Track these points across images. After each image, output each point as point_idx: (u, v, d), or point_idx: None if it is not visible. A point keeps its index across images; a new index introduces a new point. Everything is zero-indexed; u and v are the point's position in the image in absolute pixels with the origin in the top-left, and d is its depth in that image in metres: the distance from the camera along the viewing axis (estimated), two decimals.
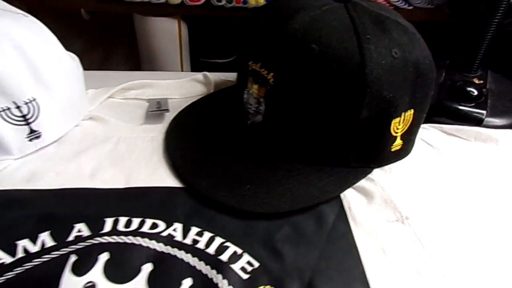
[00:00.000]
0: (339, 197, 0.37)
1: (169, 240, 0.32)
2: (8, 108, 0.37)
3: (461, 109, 0.47)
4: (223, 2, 0.69)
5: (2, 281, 0.29)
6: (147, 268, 0.30)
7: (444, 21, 0.76)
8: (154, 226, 0.33)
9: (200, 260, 0.31)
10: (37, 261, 0.30)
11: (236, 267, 0.31)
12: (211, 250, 0.32)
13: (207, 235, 0.33)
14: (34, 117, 0.39)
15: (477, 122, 0.46)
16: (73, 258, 0.30)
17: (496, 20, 0.47)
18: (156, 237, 0.33)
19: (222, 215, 0.35)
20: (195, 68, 0.83)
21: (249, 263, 0.31)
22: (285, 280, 0.30)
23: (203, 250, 0.32)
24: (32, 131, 0.39)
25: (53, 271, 0.29)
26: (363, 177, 0.39)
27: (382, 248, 0.32)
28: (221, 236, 0.33)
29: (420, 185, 0.39)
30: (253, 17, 0.41)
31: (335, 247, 0.33)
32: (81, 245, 0.31)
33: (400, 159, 0.41)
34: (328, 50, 0.34)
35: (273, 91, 0.37)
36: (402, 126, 0.39)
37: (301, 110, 0.37)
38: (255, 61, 0.38)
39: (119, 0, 0.69)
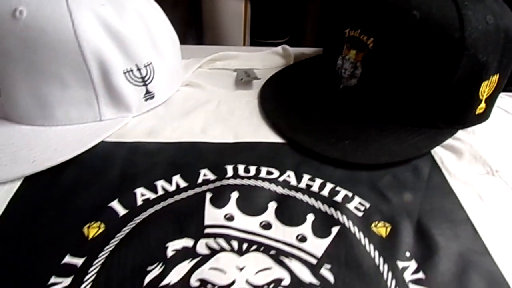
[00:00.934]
0: (430, 153, 0.41)
1: (286, 184, 0.37)
2: (131, 70, 0.42)
3: None
4: None
5: (153, 211, 0.33)
6: (273, 205, 0.34)
7: None
8: (269, 173, 0.38)
9: (317, 200, 0.35)
10: (178, 197, 0.35)
11: (350, 206, 0.35)
12: (325, 192, 0.36)
13: (318, 181, 0.37)
14: (150, 79, 0.44)
15: None
16: (209, 195, 0.35)
17: None
18: (274, 181, 0.37)
19: (327, 166, 0.39)
20: None
21: (360, 203, 0.35)
22: (396, 218, 0.34)
23: (317, 193, 0.36)
24: (147, 91, 0.44)
25: (196, 204, 0.34)
26: (449, 137, 0.42)
27: (478, 195, 0.36)
28: (330, 182, 0.37)
29: (504, 144, 0.42)
30: None
31: (434, 193, 0.36)
32: (211, 186, 0.36)
33: (482, 122, 0.44)
34: (428, 16, 0.38)
35: (372, 55, 0.41)
36: (488, 90, 0.42)
37: (397, 73, 0.40)
38: (353, 29, 0.42)
39: None
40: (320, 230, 0.32)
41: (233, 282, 0.28)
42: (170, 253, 0.30)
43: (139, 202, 0.34)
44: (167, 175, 0.37)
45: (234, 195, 0.35)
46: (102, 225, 0.32)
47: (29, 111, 0.40)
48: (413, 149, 0.40)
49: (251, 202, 0.35)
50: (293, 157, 0.40)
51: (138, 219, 0.33)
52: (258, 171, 0.38)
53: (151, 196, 0.35)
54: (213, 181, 0.36)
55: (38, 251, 0.30)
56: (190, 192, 0.35)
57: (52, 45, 0.37)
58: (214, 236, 0.31)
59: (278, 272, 0.29)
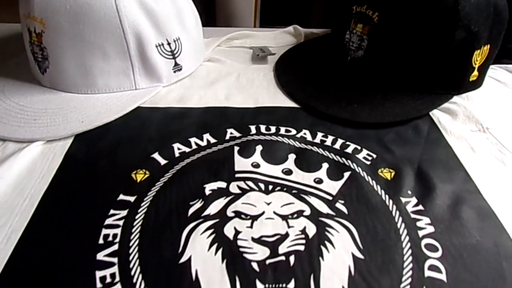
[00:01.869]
0: (428, 115, 0.46)
1: (303, 140, 0.42)
2: (162, 44, 0.47)
3: None
4: None
5: (189, 161, 0.39)
6: (292, 156, 0.40)
7: None
8: (288, 131, 0.43)
9: (330, 152, 0.40)
10: (209, 151, 0.40)
11: (359, 156, 0.40)
12: (337, 146, 0.41)
13: (330, 137, 0.42)
14: (178, 53, 0.49)
15: None
16: (236, 148, 0.40)
17: None
18: (292, 138, 0.42)
19: (338, 126, 0.44)
20: None
21: (368, 154, 0.40)
22: (399, 165, 0.39)
23: (330, 146, 0.41)
24: (176, 64, 0.49)
25: (226, 155, 0.39)
26: (446, 101, 0.47)
27: (471, 147, 0.41)
28: (341, 138, 0.42)
29: (495, 107, 0.47)
30: None
31: (432, 146, 0.42)
32: (238, 141, 0.41)
33: (475, 88, 0.50)
34: None
35: (377, 28, 0.46)
36: (480, 58, 0.47)
37: (399, 43, 0.45)
38: (360, 5, 0.47)
39: None
40: (334, 174, 0.38)
41: (263, 213, 0.33)
42: (207, 192, 0.35)
43: (177, 154, 0.40)
44: (198, 133, 0.42)
45: (259, 148, 0.40)
46: (147, 172, 0.37)
47: (74, 81, 0.45)
48: (413, 111, 0.45)
49: (273, 154, 0.40)
50: (308, 119, 0.45)
51: (177, 167, 0.38)
52: (277, 130, 0.43)
53: (186, 149, 0.40)
54: (239, 138, 0.42)
55: (96, 192, 0.35)
56: (220, 147, 0.41)
57: (97, 19, 0.42)
58: (244, 179, 0.37)
59: (300, 205, 0.34)
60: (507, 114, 0.46)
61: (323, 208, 0.34)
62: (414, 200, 0.35)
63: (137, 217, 0.33)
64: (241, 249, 0.31)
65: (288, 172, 0.38)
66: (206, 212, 0.33)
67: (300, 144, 0.41)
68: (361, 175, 0.38)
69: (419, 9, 0.43)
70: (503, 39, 0.56)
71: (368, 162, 0.39)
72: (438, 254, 0.31)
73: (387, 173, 0.38)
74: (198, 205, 0.34)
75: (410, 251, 0.31)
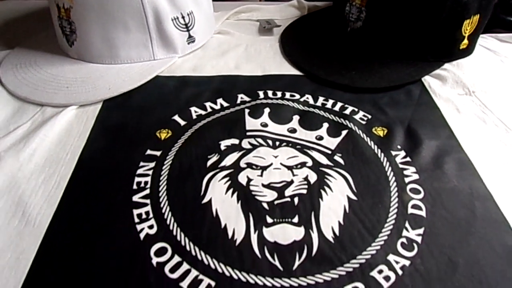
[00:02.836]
0: (420, 80, 0.50)
1: (306, 103, 0.47)
2: (177, 17, 0.51)
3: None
4: None
5: (205, 122, 0.44)
6: (296, 117, 0.45)
7: None
8: (292, 95, 0.48)
9: (330, 114, 0.45)
10: (223, 113, 0.45)
11: (356, 117, 0.45)
12: (336, 108, 0.46)
13: (331, 101, 0.47)
14: (191, 25, 0.53)
15: None
16: (247, 110, 0.45)
17: None
18: (296, 101, 0.47)
19: (337, 91, 0.49)
20: None
21: (364, 115, 0.45)
22: (391, 124, 0.44)
23: (331, 109, 0.46)
24: (190, 36, 0.54)
25: (237, 116, 0.44)
26: (437, 68, 0.52)
27: (457, 108, 0.46)
28: (341, 102, 0.47)
29: (482, 73, 0.51)
30: None
31: (422, 108, 0.46)
32: (248, 104, 0.46)
33: (465, 56, 0.54)
34: None
35: (374, 0, 0.50)
36: (470, 28, 0.51)
37: (394, 14, 0.49)
38: None
39: None
40: (333, 132, 0.43)
41: (271, 164, 0.39)
42: (222, 147, 0.41)
43: (194, 116, 0.45)
44: (212, 98, 0.47)
45: (266, 110, 0.45)
46: (170, 131, 0.43)
47: (99, 52, 0.50)
48: (407, 77, 0.50)
49: (280, 115, 0.45)
50: (311, 85, 0.50)
51: (195, 127, 0.43)
52: (283, 94, 0.48)
53: (202, 112, 0.45)
54: (249, 102, 0.47)
55: (127, 147, 0.41)
56: (232, 109, 0.46)
57: None
58: (254, 137, 0.42)
59: (303, 158, 0.40)
60: (493, 79, 0.50)
61: (323, 160, 0.40)
62: (402, 153, 0.40)
63: (163, 167, 0.39)
64: (253, 193, 0.36)
65: (293, 130, 0.43)
66: (222, 164, 0.39)
67: (303, 107, 0.46)
68: (357, 132, 0.43)
69: None
70: (496, 9, 0.60)
71: (364, 122, 0.44)
72: (421, 196, 0.36)
73: (380, 131, 0.43)
74: (215, 158, 0.40)
75: (396, 194, 0.37)
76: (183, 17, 0.52)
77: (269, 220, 0.34)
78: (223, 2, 0.71)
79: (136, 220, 0.34)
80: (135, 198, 0.36)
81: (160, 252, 0.32)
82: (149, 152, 0.40)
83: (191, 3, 0.52)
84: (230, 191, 0.37)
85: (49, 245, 0.32)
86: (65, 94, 0.46)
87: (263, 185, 0.37)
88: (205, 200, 0.36)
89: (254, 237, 0.33)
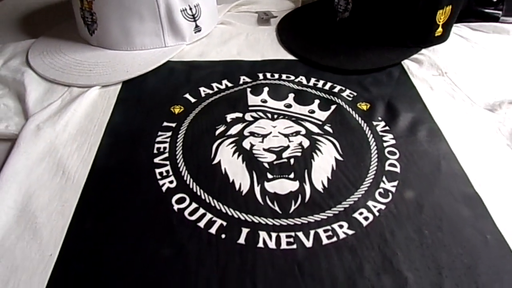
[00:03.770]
0: (400, 63, 0.57)
1: (300, 83, 0.53)
2: (186, 9, 0.58)
3: (484, 11, 0.65)
4: None
5: (213, 99, 0.50)
6: (291, 95, 0.52)
7: None
8: (288, 77, 0.55)
9: (321, 92, 0.52)
10: (228, 92, 0.52)
11: (343, 94, 0.52)
12: (326, 87, 0.53)
13: (321, 81, 0.54)
14: (198, 16, 0.60)
15: (495, 19, 0.64)
16: (249, 89, 0.52)
17: None
18: (291, 82, 0.54)
19: (327, 73, 0.56)
20: None
21: (350, 93, 0.52)
22: (373, 100, 0.51)
23: (321, 88, 0.53)
24: (196, 26, 0.60)
25: (240, 94, 0.51)
26: (415, 53, 0.58)
27: (430, 87, 0.53)
28: (330, 82, 0.54)
29: (454, 57, 0.58)
30: None
31: (401, 86, 0.53)
32: (249, 84, 0.53)
33: (440, 42, 0.61)
34: None
35: None
36: (444, 17, 0.57)
37: (378, 5, 0.56)
38: None
39: None
40: (323, 107, 0.50)
41: (270, 133, 0.46)
42: (228, 120, 0.47)
43: (203, 94, 0.51)
44: (218, 79, 0.54)
45: (266, 89, 0.52)
46: (182, 107, 0.49)
47: (117, 40, 0.56)
48: (388, 60, 0.57)
49: (277, 93, 0.52)
50: (304, 68, 0.57)
51: (204, 103, 0.50)
52: (280, 76, 0.55)
53: (210, 91, 0.52)
54: (250, 82, 0.53)
55: (145, 120, 0.47)
56: (236, 89, 0.52)
57: None
58: (255, 111, 0.49)
59: (297, 128, 0.46)
60: (463, 62, 0.57)
61: (315, 129, 0.46)
62: (382, 123, 0.47)
63: (178, 136, 0.45)
64: (256, 155, 0.43)
65: (289, 106, 0.50)
66: (228, 133, 0.46)
67: (297, 86, 0.53)
68: (344, 107, 0.50)
69: None
70: (470, 2, 0.67)
71: (350, 98, 0.51)
72: (396, 156, 0.43)
73: (364, 106, 0.50)
74: (222, 128, 0.46)
75: (376, 155, 0.43)
76: (190, 9, 0.58)
77: (270, 176, 0.41)
78: None
79: (158, 177, 0.41)
80: (156, 160, 0.42)
81: (180, 200, 0.38)
82: (165, 124, 0.47)
83: None
84: (236, 154, 0.43)
85: (87, 197, 0.39)
86: (89, 76, 0.52)
87: (264, 149, 0.44)
88: (215, 161, 0.42)
89: (257, 189, 0.40)
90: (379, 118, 0.48)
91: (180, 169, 0.42)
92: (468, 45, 0.62)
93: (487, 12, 0.65)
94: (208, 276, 0.33)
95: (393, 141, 0.45)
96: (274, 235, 0.36)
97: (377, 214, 0.38)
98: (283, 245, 0.35)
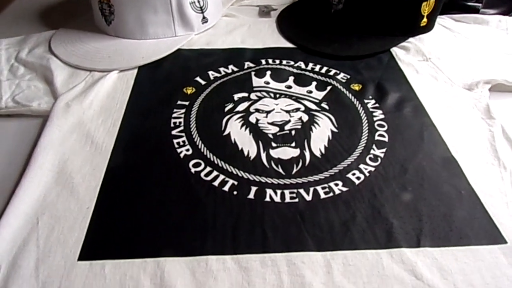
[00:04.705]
0: (389, 50, 0.63)
1: (299, 68, 0.59)
2: (194, 2, 0.63)
3: (466, 4, 0.71)
4: None
5: (221, 82, 0.56)
6: (291, 78, 0.57)
7: None
8: (288, 62, 0.60)
9: (318, 75, 0.58)
10: (234, 75, 0.57)
11: (338, 77, 0.58)
12: (323, 71, 0.59)
13: (318, 66, 0.60)
14: (205, 8, 0.65)
15: (476, 11, 0.71)
16: (253, 73, 0.58)
17: None
18: (291, 66, 0.60)
19: (324, 59, 0.61)
20: None
21: (344, 76, 0.58)
22: (365, 82, 0.57)
23: (318, 71, 0.59)
24: (204, 17, 0.66)
25: (246, 77, 0.57)
26: (403, 41, 0.64)
27: (415, 70, 0.59)
28: (326, 66, 0.60)
29: (438, 45, 0.64)
30: None
31: (390, 70, 0.59)
32: (253, 69, 0.59)
33: (426, 32, 0.67)
34: None
35: None
36: (428, 8, 0.63)
37: None
38: None
39: None
40: (320, 88, 0.55)
41: (273, 109, 0.51)
42: (236, 98, 0.53)
43: (211, 77, 0.57)
44: (225, 65, 0.60)
45: (268, 72, 0.58)
46: (194, 88, 0.55)
47: (133, 30, 0.62)
48: (378, 47, 0.63)
49: (279, 76, 0.57)
50: (302, 54, 0.63)
51: (213, 85, 0.56)
52: (281, 61, 0.60)
53: (218, 75, 0.58)
54: (254, 67, 0.59)
55: (161, 99, 0.53)
56: (241, 73, 0.58)
57: None
58: (259, 91, 0.54)
59: (297, 105, 0.52)
60: (446, 49, 0.63)
61: (313, 106, 0.52)
62: (373, 101, 0.53)
63: (191, 112, 0.51)
64: (261, 128, 0.49)
65: (289, 87, 0.56)
66: (236, 110, 0.51)
67: (297, 70, 0.59)
68: (339, 88, 0.56)
69: None
70: None
71: (344, 80, 0.57)
72: (385, 128, 0.49)
73: (356, 87, 0.56)
74: (230, 106, 0.52)
75: (367, 127, 0.49)
76: (198, 2, 0.64)
77: (274, 144, 0.46)
78: None
79: (176, 146, 0.46)
80: (173, 132, 0.48)
81: (196, 165, 0.44)
82: (179, 102, 0.52)
83: None
84: (244, 127, 0.49)
85: (114, 162, 0.44)
86: (108, 62, 0.58)
87: (268, 123, 0.49)
88: (225, 133, 0.48)
89: (263, 155, 0.45)
90: (370, 97, 0.54)
91: (195, 140, 0.47)
92: (451, 34, 0.68)
93: (469, 4, 0.71)
94: (223, 223, 0.38)
95: (382, 116, 0.51)
96: (279, 192, 0.41)
97: (367, 174, 0.43)
98: (287, 199, 0.41)
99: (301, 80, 0.57)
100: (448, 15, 0.72)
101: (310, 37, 0.65)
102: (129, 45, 0.61)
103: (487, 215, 0.39)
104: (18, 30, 0.67)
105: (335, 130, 0.49)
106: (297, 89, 0.55)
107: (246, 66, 0.60)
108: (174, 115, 0.51)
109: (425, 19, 0.65)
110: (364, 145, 0.47)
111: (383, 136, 0.48)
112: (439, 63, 0.60)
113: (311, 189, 0.42)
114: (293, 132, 0.48)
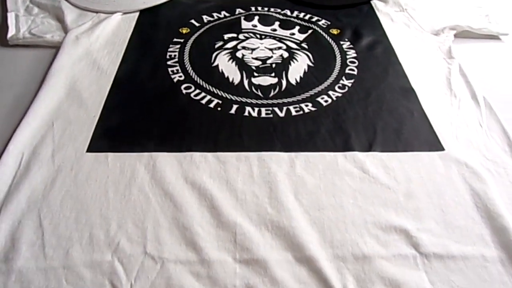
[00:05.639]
0: (369, 2, 0.69)
1: (285, 15, 0.66)
2: None
3: None
4: None
5: (213, 24, 0.62)
6: (277, 22, 0.64)
7: None
8: (275, 10, 0.66)
9: (301, 21, 0.64)
10: (225, 19, 0.64)
11: (319, 23, 0.64)
12: (306, 18, 0.65)
13: (303, 13, 0.66)
14: None
15: None
16: (242, 17, 0.64)
17: None
18: (278, 13, 0.66)
19: (308, 8, 0.67)
20: None
21: (325, 22, 0.64)
22: (344, 27, 0.63)
23: (302, 18, 0.65)
24: None
25: (236, 20, 0.63)
26: None
27: (391, 19, 0.65)
28: (309, 14, 0.66)
29: None
30: None
31: (368, 19, 0.65)
32: (243, 14, 0.65)
33: None
34: None
35: None
36: None
37: None
38: None
39: None
40: (302, 31, 0.62)
41: (258, 47, 0.58)
42: (225, 38, 0.60)
43: (205, 21, 0.63)
44: (217, 11, 0.66)
45: (256, 17, 0.64)
46: (188, 29, 0.61)
47: None
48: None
49: (265, 20, 0.64)
50: (289, 4, 0.68)
51: (206, 27, 0.62)
52: (269, 9, 0.67)
53: (211, 19, 0.64)
54: (244, 13, 0.65)
55: (159, 37, 0.59)
56: (232, 17, 0.64)
57: None
58: (247, 32, 0.61)
59: (279, 44, 0.59)
60: (421, 2, 0.69)
61: (294, 46, 0.59)
62: (348, 43, 0.59)
63: (185, 48, 0.58)
64: (246, 61, 0.55)
65: (274, 30, 0.62)
66: (225, 47, 0.58)
67: (283, 17, 0.65)
68: (319, 31, 0.62)
69: None
70: None
71: (325, 26, 0.63)
72: (355, 64, 0.56)
73: (335, 31, 0.62)
74: (220, 43, 0.59)
75: (340, 63, 0.56)
76: None
77: (256, 74, 0.53)
78: None
79: (170, 72, 0.53)
80: (169, 62, 0.55)
81: (187, 88, 0.51)
82: (175, 39, 0.59)
83: None
84: (231, 60, 0.56)
85: (117, 82, 0.51)
86: (113, 6, 0.64)
87: (253, 58, 0.56)
88: (214, 64, 0.55)
89: (246, 82, 0.52)
90: (346, 39, 0.60)
91: (187, 68, 0.54)
92: None
93: None
94: (207, 130, 0.46)
95: (355, 55, 0.57)
96: (256, 109, 0.48)
97: (335, 99, 0.50)
98: (263, 115, 0.48)
99: (286, 24, 0.63)
100: None
101: None
102: None
103: (432, 130, 0.46)
104: None
105: (311, 64, 0.55)
106: (281, 32, 0.61)
107: (237, 12, 0.66)
108: (170, 49, 0.57)
109: None
110: (335, 77, 0.54)
111: (353, 70, 0.55)
112: (413, 13, 0.66)
113: (284, 108, 0.49)
114: (273, 65, 0.55)
